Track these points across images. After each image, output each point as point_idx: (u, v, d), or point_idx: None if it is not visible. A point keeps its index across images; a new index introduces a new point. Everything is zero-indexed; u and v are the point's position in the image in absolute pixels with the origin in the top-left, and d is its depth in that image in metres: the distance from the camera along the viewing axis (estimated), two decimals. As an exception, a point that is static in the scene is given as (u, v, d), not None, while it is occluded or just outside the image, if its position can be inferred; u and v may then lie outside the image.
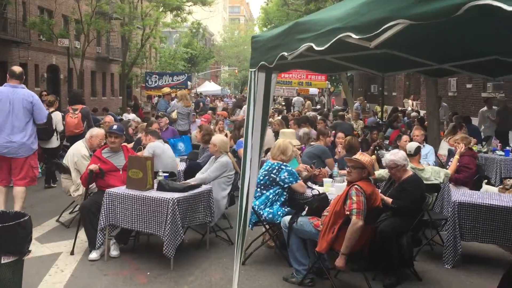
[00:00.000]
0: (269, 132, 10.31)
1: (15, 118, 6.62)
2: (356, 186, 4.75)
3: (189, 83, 32.23)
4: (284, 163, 5.96)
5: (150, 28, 34.44)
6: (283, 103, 31.71)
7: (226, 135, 11.20)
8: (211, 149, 6.72)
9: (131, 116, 20.10)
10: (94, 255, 5.87)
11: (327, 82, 28.66)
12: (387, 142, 11.65)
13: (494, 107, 14.71)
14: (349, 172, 4.93)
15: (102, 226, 5.78)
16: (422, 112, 20.12)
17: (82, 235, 6.27)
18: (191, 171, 7.41)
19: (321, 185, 6.30)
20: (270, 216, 5.74)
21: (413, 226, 5.43)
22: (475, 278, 5.58)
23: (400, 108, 21.35)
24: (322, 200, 5.21)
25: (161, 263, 5.75)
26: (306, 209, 5.27)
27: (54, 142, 9.97)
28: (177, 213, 5.48)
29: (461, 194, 6.12)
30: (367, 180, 4.88)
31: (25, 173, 6.84)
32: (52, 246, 6.40)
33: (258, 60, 4.04)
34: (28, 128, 6.72)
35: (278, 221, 5.78)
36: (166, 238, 5.42)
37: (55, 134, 9.90)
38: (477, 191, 6.64)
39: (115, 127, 6.40)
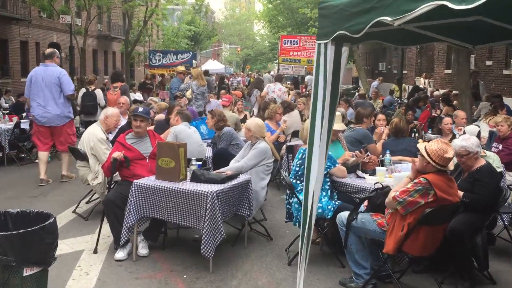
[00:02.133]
0: (295, 112, 9.59)
1: (47, 92, 8.06)
2: (421, 178, 4.06)
3: (194, 61, 31.34)
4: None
5: (152, 5, 33.39)
6: (289, 82, 30.84)
7: (245, 116, 10.50)
8: (246, 135, 6.02)
9: (137, 95, 19.35)
10: (121, 254, 5.22)
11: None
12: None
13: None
14: (415, 161, 4.26)
15: (130, 223, 5.11)
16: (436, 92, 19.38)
17: (103, 229, 5.60)
18: (220, 157, 6.72)
19: (372, 174, 5.62)
20: (320, 211, 5.07)
21: (487, 222, 4.77)
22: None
23: (421, 87, 20.56)
24: (386, 195, 4.52)
25: (197, 263, 5.11)
26: (367, 204, 4.60)
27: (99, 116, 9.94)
28: (217, 208, 4.81)
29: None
30: (442, 173, 4.18)
31: (64, 139, 8.37)
32: (71, 242, 5.74)
33: (331, 30, 3.32)
34: (60, 100, 8.13)
35: (328, 217, 5.12)
36: (204, 236, 4.76)
37: (99, 108, 11.25)
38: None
39: (140, 109, 5.68)
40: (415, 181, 4.08)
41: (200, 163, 5.61)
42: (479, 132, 6.22)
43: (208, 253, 4.78)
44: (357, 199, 5.24)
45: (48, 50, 8.39)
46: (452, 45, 4.62)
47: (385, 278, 4.67)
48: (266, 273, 4.99)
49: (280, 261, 5.29)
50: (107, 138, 6.48)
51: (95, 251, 5.42)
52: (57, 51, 8.51)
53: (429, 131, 8.54)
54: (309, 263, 5.20)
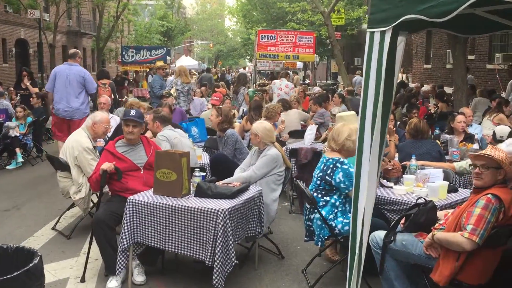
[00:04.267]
0: (293, 111, 8.91)
1: (70, 89, 8.76)
2: (489, 195, 3.44)
3: (168, 57, 30.39)
4: (341, 159, 4.56)
5: (123, -1, 32.29)
6: (264, 78, 30.09)
7: (234, 115, 9.76)
8: (253, 140, 5.30)
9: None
10: (114, 283, 4.45)
11: (315, 55, 27.33)
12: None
13: None
14: (478, 173, 3.61)
15: (125, 245, 4.36)
16: (412, 85, 18.98)
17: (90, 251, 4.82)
18: (218, 165, 6.01)
19: (396, 182, 4.99)
20: (346, 228, 4.41)
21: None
22: None
23: (406, 82, 20.15)
24: (430, 212, 3.89)
25: (204, 292, 4.39)
26: (406, 222, 3.94)
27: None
28: (229, 229, 4.10)
29: None
30: (504, 185, 3.58)
31: None
32: (53, 268, 4.93)
33: (394, 14, 2.65)
34: (81, 96, 8.85)
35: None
36: (216, 263, 4.04)
37: None
38: None
39: (133, 112, 4.91)
40: (481, 201, 3.43)
41: (204, 174, 4.88)
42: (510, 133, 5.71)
43: (220, 283, 4.06)
44: (385, 211, 4.61)
45: (72, 51, 9.34)
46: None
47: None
48: (286, 302, 4.31)
49: (299, 286, 4.61)
50: (94, 147, 5.69)
51: (83, 280, 4.64)
52: (79, 51, 9.37)
53: (437, 130, 7.93)
54: (328, 284, 4.58)
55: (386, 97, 2.92)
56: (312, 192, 4.60)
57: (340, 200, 4.56)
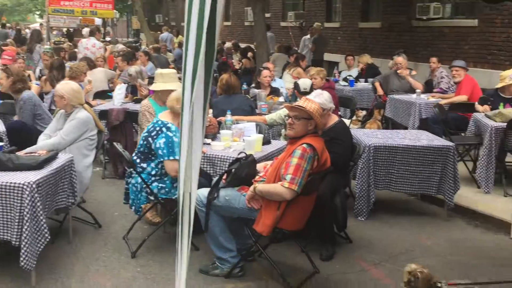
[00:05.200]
0: (99, 70, 8.32)
1: None
2: (304, 145, 3.61)
3: None
4: (169, 124, 4.32)
5: None
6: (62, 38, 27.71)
7: (29, 76, 8.79)
8: (58, 103, 4.76)
9: None
10: None
11: (114, 11, 26.03)
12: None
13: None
14: (291, 124, 3.75)
15: None
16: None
17: None
18: (16, 133, 5.34)
19: (213, 138, 4.98)
20: (163, 191, 4.29)
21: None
22: (398, 229, 5.06)
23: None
24: (251, 165, 3.95)
25: (14, 278, 3.88)
26: (228, 178, 3.95)
27: None
28: (38, 203, 3.65)
29: (373, 136, 5.47)
30: (315, 134, 3.78)
31: None
32: None
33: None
34: None
35: (175, 197, 4.34)
36: (25, 244, 3.59)
37: None
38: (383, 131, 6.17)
39: None
40: (297, 151, 3.57)
41: (1, 144, 4.26)
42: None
43: (30, 264, 3.63)
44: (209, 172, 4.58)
45: None
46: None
47: (248, 257, 4.17)
48: (108, 274, 4.04)
49: (121, 254, 4.37)
50: None
51: None
52: None
53: (244, 85, 8.15)
54: (152, 248, 4.45)
55: (208, 54, 2.79)
56: (133, 156, 4.36)
57: (157, 169, 4.37)
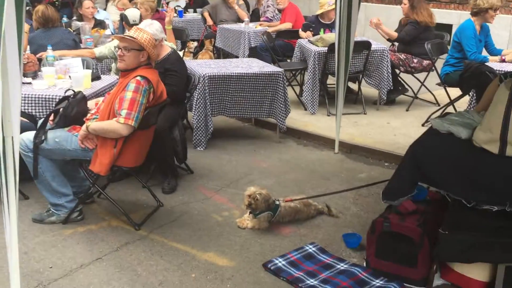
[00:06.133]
0: None
1: None
2: (138, 77, 3.45)
3: None
4: None
5: None
6: None
7: None
8: None
9: None
10: None
11: None
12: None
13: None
14: (121, 55, 3.53)
15: None
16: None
17: None
18: None
19: (34, 77, 4.52)
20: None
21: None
22: (235, 155, 5.21)
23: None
24: (80, 103, 3.66)
25: None
26: (56, 118, 3.64)
27: None
28: None
29: (206, 66, 5.44)
30: (149, 66, 3.62)
31: None
32: None
33: None
34: None
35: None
36: None
37: None
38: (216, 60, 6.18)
39: None
40: (132, 84, 3.38)
41: None
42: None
43: None
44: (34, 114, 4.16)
45: None
46: None
47: (87, 199, 3.98)
48: None
49: None
50: None
51: None
52: None
53: (65, 18, 7.47)
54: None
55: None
56: None
57: None
